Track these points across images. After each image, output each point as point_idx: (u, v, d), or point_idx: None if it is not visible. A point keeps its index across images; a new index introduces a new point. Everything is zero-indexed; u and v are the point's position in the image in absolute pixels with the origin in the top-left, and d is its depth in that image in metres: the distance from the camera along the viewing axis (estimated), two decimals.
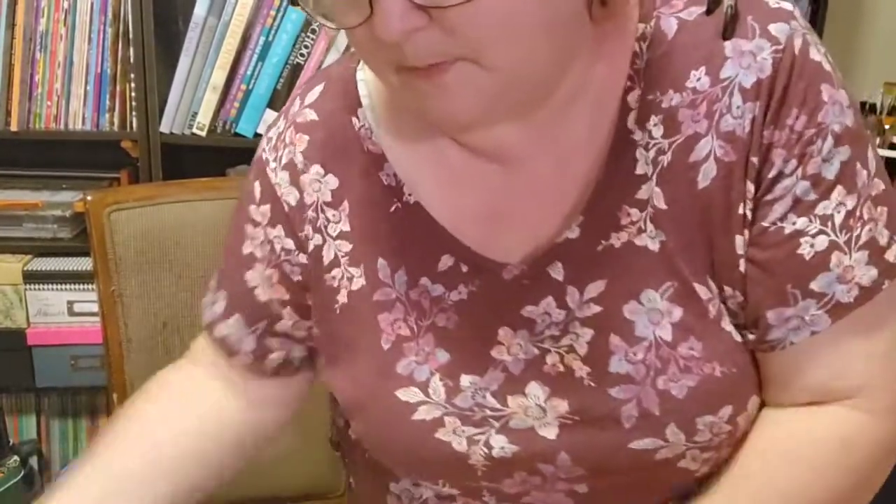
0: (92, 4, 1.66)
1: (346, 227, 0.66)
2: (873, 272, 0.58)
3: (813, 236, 0.58)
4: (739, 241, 0.59)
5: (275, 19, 1.67)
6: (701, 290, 0.60)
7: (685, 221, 0.60)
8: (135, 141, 1.68)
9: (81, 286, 1.68)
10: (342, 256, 0.66)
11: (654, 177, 0.60)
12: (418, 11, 0.49)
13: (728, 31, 0.58)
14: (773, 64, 0.57)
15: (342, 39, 1.69)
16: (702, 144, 0.59)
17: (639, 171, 0.60)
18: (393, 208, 0.65)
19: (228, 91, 1.67)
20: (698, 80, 0.59)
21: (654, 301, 0.60)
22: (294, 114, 0.70)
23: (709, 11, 0.59)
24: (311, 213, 0.67)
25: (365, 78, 0.68)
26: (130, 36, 1.66)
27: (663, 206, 0.60)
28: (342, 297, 0.67)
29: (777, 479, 0.61)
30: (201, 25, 1.64)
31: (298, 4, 0.55)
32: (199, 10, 1.64)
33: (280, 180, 0.68)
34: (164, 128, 1.68)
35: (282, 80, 1.67)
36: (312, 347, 0.72)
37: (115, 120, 1.70)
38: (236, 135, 1.68)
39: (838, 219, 0.58)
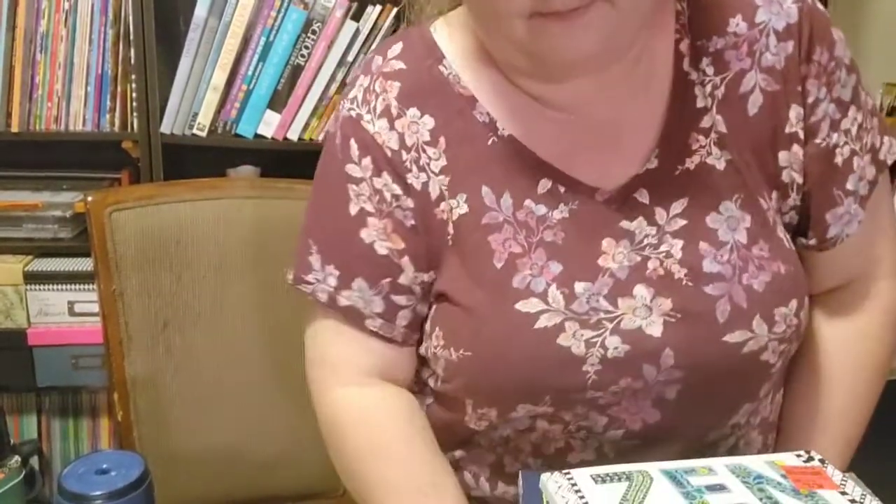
0: (93, 5, 1.66)
1: (444, 162, 0.72)
2: (873, 169, 0.75)
3: (841, 147, 0.73)
4: (783, 156, 0.72)
5: (275, 20, 1.67)
6: (762, 200, 0.72)
7: (742, 143, 0.71)
8: (135, 141, 1.69)
9: (82, 286, 1.68)
10: (445, 189, 0.72)
11: (714, 107, 0.72)
12: None
13: None
14: (797, 11, 0.71)
15: (342, 40, 1.69)
16: (748, 78, 0.71)
17: (699, 104, 0.72)
18: (490, 141, 0.72)
19: (229, 92, 1.68)
20: (737, 25, 0.71)
21: (730, 210, 0.71)
22: (378, 66, 0.75)
23: None
24: (413, 154, 0.73)
25: (443, 37, 0.75)
26: (131, 37, 1.66)
27: (724, 130, 0.71)
28: (450, 229, 0.73)
29: (860, 355, 0.78)
30: (202, 26, 1.65)
31: None
32: (200, 10, 1.64)
33: (379, 128, 0.73)
34: (165, 128, 1.68)
35: (282, 81, 1.67)
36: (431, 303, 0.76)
37: (116, 120, 1.70)
38: (237, 135, 1.69)
39: (854, 131, 0.74)
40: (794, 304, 0.71)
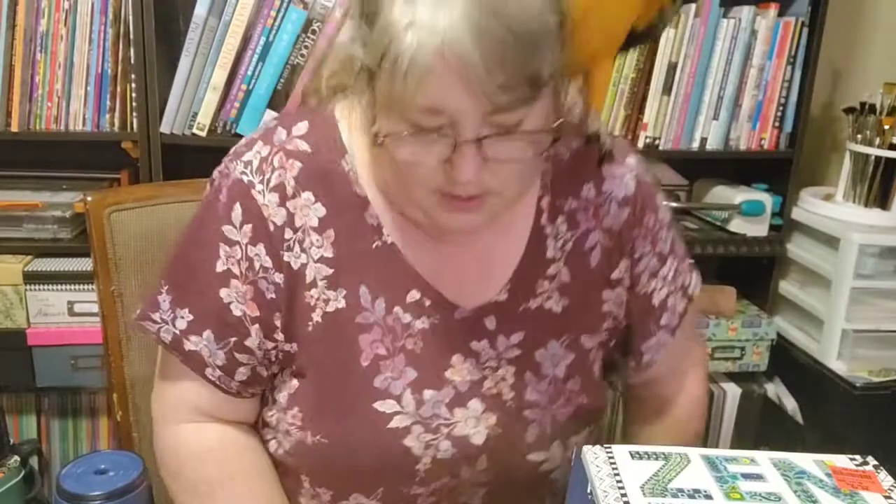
0: (92, 5, 1.66)
1: (329, 254, 0.77)
2: (684, 302, 0.91)
3: (659, 290, 0.89)
4: (606, 294, 0.86)
5: (275, 20, 1.67)
6: (586, 341, 0.84)
7: (581, 290, 0.84)
8: (135, 141, 1.69)
9: (81, 286, 1.68)
10: (320, 279, 0.77)
11: (561, 259, 0.83)
12: (484, 163, 0.68)
13: (604, 161, 0.85)
14: (635, 185, 0.86)
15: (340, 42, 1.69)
16: (592, 236, 0.85)
17: (549, 255, 0.83)
18: (374, 245, 0.78)
19: (229, 91, 1.67)
20: (589, 191, 0.85)
21: (555, 348, 0.82)
22: (281, 141, 0.79)
23: (587, 141, 0.84)
24: (299, 235, 0.77)
25: (345, 131, 0.80)
26: (131, 36, 1.66)
27: (567, 280, 0.83)
28: (317, 317, 0.78)
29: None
30: (202, 26, 1.65)
31: (382, 144, 0.69)
32: (200, 10, 1.64)
33: (268, 201, 0.77)
34: (165, 128, 1.68)
35: (282, 81, 1.67)
36: (273, 364, 0.82)
37: (116, 120, 1.70)
38: (237, 135, 1.68)
39: (670, 276, 0.90)
40: (585, 432, 0.85)
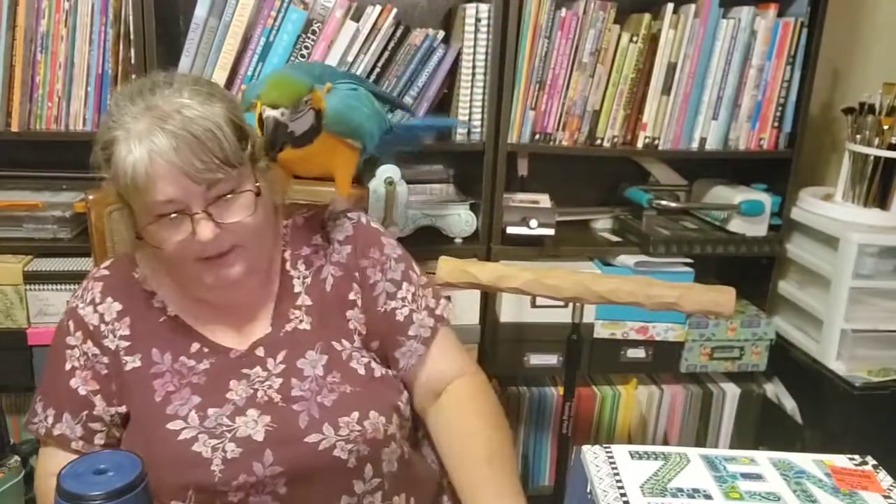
0: (93, 5, 1.66)
1: (127, 332, 1.08)
2: (432, 320, 1.16)
3: (400, 308, 1.14)
4: (350, 314, 1.13)
5: (275, 20, 1.67)
6: (336, 344, 1.10)
7: (323, 310, 1.12)
8: None
9: None
10: (122, 350, 1.07)
11: (304, 291, 1.13)
12: (217, 228, 0.99)
13: (328, 219, 1.18)
14: (352, 228, 1.17)
15: (342, 40, 1.69)
16: (325, 270, 1.14)
17: (296, 290, 1.13)
18: (161, 320, 1.09)
19: (229, 91, 1.67)
20: (317, 239, 1.16)
21: (311, 355, 1.08)
22: (92, 275, 1.12)
23: (327, 217, 1.18)
24: (109, 326, 1.07)
25: (139, 257, 1.12)
26: (131, 37, 1.66)
27: (310, 304, 1.12)
28: (128, 376, 1.06)
29: (456, 426, 1.14)
30: (202, 26, 1.65)
31: (143, 235, 1.01)
32: (200, 10, 1.65)
33: (86, 312, 1.08)
34: None
35: None
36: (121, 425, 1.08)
37: None
38: None
39: (410, 297, 1.15)
40: (355, 415, 1.04)
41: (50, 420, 1.06)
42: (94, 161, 1.00)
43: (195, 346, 1.07)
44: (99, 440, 1.06)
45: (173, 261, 1.03)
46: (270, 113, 1.02)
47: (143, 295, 1.10)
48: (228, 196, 0.99)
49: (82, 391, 1.05)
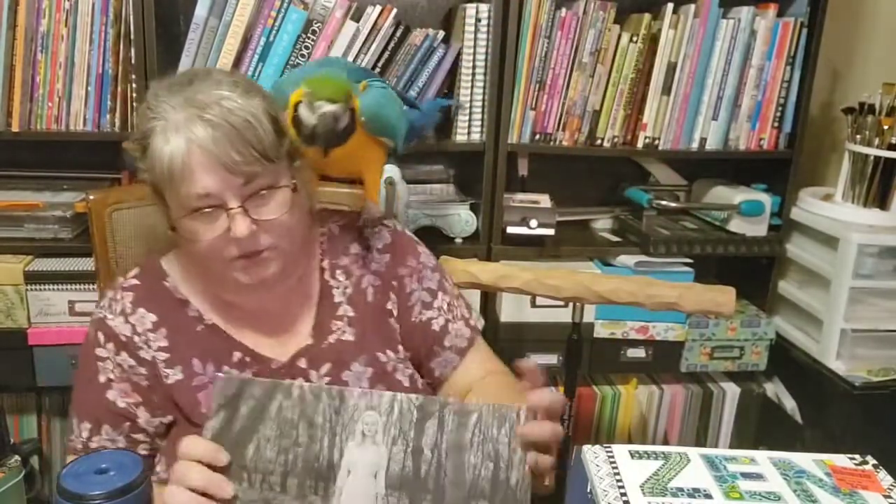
0: (93, 5, 1.66)
1: (164, 343, 1.04)
2: (468, 330, 1.17)
3: (437, 318, 1.15)
4: (391, 322, 1.12)
5: (275, 20, 1.68)
6: (381, 355, 1.09)
7: (366, 321, 1.11)
8: None
9: (82, 286, 1.68)
10: (160, 362, 1.04)
11: (345, 301, 1.12)
12: (253, 224, 0.96)
13: (364, 226, 1.17)
14: (391, 236, 1.17)
15: (342, 40, 1.69)
16: (365, 280, 1.13)
17: (336, 300, 1.12)
18: (199, 328, 1.06)
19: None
20: (356, 248, 1.15)
21: (356, 367, 1.07)
22: (119, 284, 1.09)
23: (363, 225, 1.18)
24: (143, 337, 1.04)
25: (171, 262, 1.10)
26: (132, 37, 1.66)
27: (353, 315, 1.11)
28: (171, 388, 1.03)
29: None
30: (202, 26, 1.65)
31: (177, 227, 0.99)
32: (200, 10, 1.65)
33: (117, 323, 1.05)
34: None
35: None
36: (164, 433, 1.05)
37: (117, 120, 1.71)
38: None
39: (445, 307, 1.16)
40: None
41: (86, 434, 1.03)
42: (129, 152, 0.98)
43: (237, 356, 1.05)
44: (143, 450, 1.04)
45: (205, 260, 1.01)
46: (329, 108, 1.00)
47: (176, 304, 1.07)
48: (264, 192, 0.97)
49: (121, 403, 1.03)
